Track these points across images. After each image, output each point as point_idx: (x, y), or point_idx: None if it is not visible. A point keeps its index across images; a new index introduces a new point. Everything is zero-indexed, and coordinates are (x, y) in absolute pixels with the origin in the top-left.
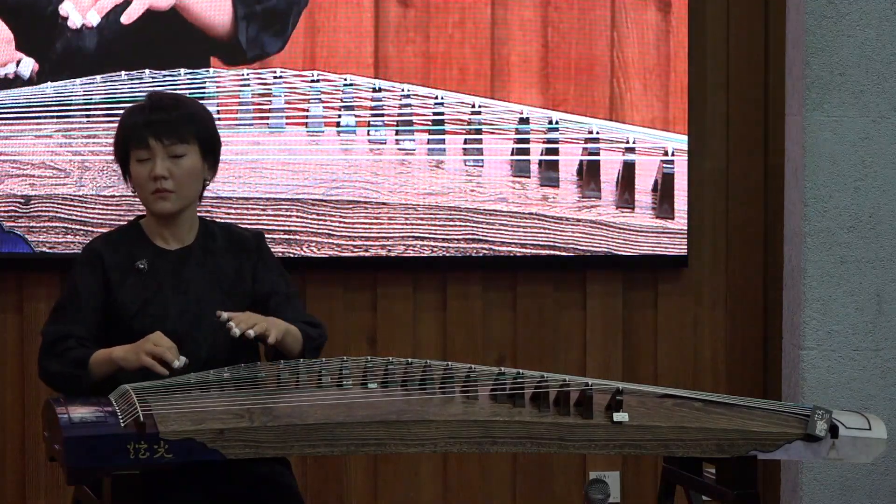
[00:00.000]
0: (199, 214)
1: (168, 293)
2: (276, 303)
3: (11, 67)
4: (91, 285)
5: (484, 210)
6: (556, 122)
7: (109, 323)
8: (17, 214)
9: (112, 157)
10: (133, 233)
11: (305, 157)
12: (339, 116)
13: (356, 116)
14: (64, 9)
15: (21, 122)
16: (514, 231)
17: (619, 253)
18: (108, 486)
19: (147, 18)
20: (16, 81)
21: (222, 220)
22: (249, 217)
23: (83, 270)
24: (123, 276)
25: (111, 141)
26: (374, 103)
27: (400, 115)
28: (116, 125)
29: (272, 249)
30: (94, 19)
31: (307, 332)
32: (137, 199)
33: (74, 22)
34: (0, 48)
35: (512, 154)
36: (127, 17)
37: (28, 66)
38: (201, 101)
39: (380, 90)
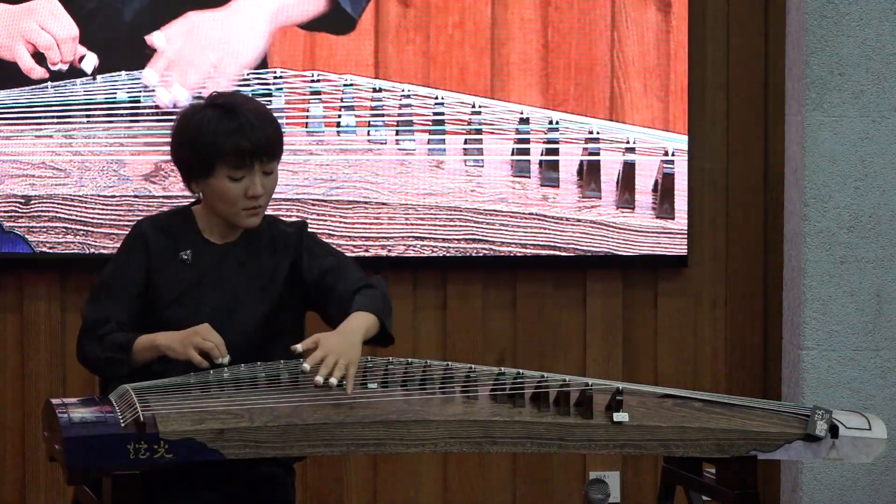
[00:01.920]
0: None
1: (207, 288)
2: (331, 279)
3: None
4: (134, 268)
5: (484, 210)
6: (557, 122)
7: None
8: (17, 214)
9: (110, 157)
10: (183, 220)
11: (305, 157)
12: (339, 116)
13: (356, 116)
14: (147, 79)
15: (21, 122)
16: (514, 231)
17: (619, 253)
18: (108, 486)
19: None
20: (76, 76)
21: (268, 213)
22: None
23: (129, 252)
24: (166, 262)
25: (111, 141)
26: (374, 103)
27: (400, 115)
28: (184, 128)
29: None
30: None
31: (372, 306)
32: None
33: (162, 100)
34: (66, 43)
35: (512, 154)
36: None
37: (91, 61)
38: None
39: (380, 90)
